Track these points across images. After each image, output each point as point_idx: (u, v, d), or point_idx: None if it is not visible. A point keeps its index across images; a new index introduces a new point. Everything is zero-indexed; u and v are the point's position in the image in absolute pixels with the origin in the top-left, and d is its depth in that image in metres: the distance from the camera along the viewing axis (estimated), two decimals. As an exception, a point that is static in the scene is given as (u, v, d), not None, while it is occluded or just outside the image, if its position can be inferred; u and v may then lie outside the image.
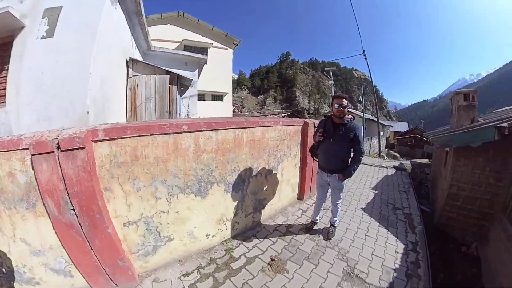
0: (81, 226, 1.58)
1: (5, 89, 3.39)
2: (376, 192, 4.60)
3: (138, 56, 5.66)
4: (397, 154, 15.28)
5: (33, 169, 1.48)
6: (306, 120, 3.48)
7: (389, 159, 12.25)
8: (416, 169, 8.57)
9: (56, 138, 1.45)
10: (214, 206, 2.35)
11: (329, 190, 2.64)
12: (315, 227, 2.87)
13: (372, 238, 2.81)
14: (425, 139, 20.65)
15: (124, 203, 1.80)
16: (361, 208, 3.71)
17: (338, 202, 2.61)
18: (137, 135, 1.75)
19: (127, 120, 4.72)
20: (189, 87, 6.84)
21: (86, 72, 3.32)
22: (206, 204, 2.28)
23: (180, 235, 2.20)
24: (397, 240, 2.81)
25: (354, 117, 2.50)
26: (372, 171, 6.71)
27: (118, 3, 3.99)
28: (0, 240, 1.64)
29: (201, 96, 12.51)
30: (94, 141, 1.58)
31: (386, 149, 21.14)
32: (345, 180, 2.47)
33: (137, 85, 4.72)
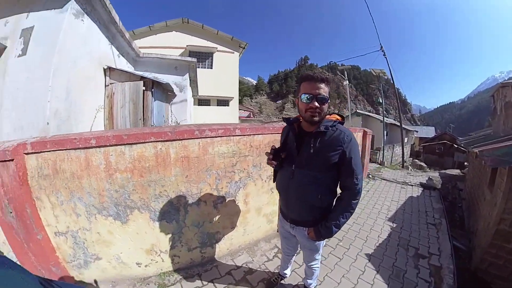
0: (18, 229, 1.62)
1: None
2: (394, 225, 3.43)
3: (124, 64, 5.57)
4: (423, 164, 13.65)
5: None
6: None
7: (414, 170, 10.84)
8: (446, 183, 7.28)
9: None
10: (140, 235, 1.91)
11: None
12: (283, 281, 1.99)
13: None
14: (456, 146, 18.32)
15: (52, 214, 1.73)
16: (366, 254, 2.57)
17: (313, 264, 1.60)
18: (55, 149, 1.60)
19: (104, 128, 4.53)
20: (181, 92, 6.61)
21: (46, 86, 3.37)
22: (129, 231, 1.87)
23: (107, 257, 1.90)
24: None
25: (343, 119, 1.38)
26: (392, 189, 5.49)
27: (85, 15, 3.90)
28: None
29: (205, 102, 12.47)
30: (26, 154, 1.59)
31: (411, 158, 19.17)
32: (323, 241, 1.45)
33: (113, 93, 4.54)
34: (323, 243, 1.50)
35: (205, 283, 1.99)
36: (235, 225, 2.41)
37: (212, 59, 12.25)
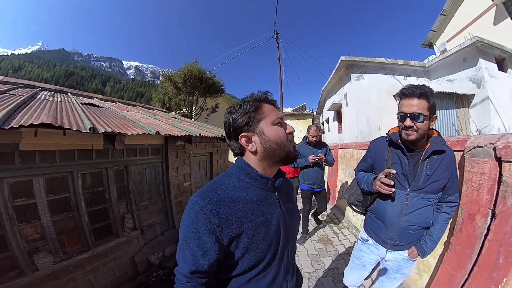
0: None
1: (342, 127, 8.18)
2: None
3: (414, 81, 6.61)
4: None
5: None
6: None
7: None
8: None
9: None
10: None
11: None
12: None
13: None
14: None
15: (340, 170, 4.50)
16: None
17: None
18: (345, 148, 4.31)
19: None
20: (479, 89, 5.27)
21: (355, 118, 6.49)
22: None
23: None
24: None
25: (439, 134, 1.25)
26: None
27: (363, 75, 6.45)
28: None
29: None
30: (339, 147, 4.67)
31: None
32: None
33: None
34: (413, 267, 1.37)
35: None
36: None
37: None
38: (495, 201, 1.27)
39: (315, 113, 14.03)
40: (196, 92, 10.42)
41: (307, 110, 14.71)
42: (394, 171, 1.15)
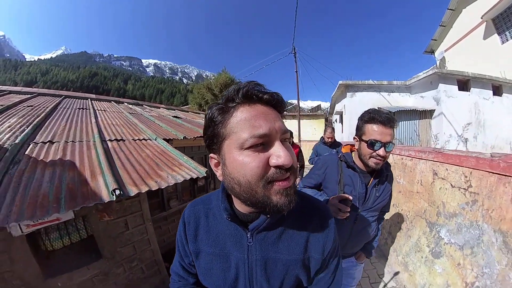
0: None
1: (343, 129, 10.49)
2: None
3: (396, 95, 8.24)
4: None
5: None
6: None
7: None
8: None
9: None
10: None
11: None
12: None
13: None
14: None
15: None
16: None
17: None
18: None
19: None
20: (438, 106, 6.82)
21: (348, 124, 8.40)
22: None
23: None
24: None
25: None
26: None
27: (356, 93, 8.23)
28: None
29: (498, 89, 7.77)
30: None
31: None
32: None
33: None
34: (362, 270, 1.45)
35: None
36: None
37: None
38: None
39: (328, 113, 15.07)
40: (227, 97, 12.95)
41: (319, 110, 15.96)
42: (351, 198, 1.02)
